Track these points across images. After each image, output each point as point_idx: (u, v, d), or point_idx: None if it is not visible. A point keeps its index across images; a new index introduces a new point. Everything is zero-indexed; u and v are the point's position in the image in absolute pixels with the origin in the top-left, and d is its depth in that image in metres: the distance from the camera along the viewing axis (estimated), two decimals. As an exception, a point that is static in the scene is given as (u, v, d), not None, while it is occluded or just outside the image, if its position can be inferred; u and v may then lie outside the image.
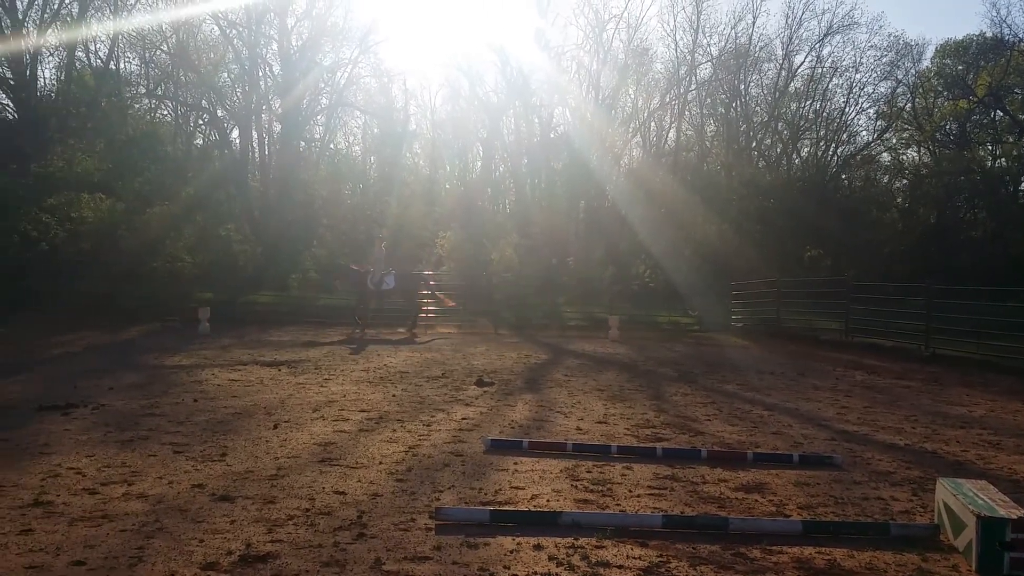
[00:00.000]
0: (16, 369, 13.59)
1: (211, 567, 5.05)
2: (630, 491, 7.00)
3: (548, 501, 6.63)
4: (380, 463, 7.74)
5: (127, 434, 8.74)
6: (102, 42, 38.09)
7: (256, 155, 39.89)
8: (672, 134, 48.15)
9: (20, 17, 32.15)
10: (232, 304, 25.35)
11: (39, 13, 32.99)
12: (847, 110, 45.65)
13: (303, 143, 41.43)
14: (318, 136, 45.27)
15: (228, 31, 36.36)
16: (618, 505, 6.58)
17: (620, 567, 5.24)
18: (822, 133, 46.01)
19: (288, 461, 7.73)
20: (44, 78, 36.26)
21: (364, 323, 22.66)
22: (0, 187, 26.79)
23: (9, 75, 32.70)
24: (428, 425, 9.60)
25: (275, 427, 9.28)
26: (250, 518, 6.00)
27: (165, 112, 41.10)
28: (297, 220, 34.46)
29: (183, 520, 5.92)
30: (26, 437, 8.48)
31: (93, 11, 34.49)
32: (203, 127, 42.04)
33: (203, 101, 38.37)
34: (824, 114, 45.97)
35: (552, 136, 45.01)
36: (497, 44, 42.97)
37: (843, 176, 44.66)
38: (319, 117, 43.15)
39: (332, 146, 47.76)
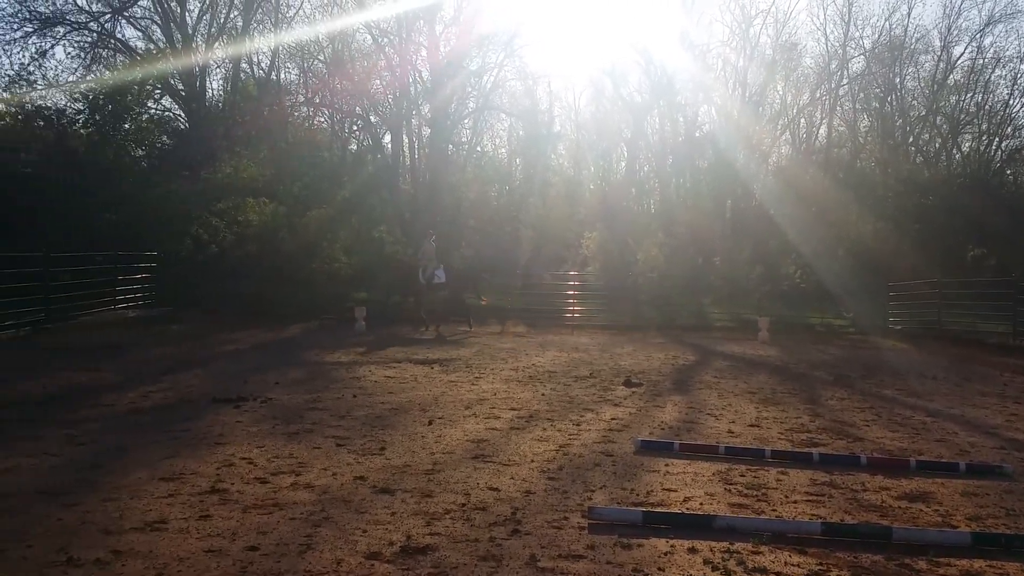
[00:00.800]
0: (192, 364, 14.47)
1: (375, 556, 5.28)
2: (786, 496, 6.88)
3: (701, 504, 6.60)
4: (532, 461, 7.88)
5: (293, 427, 9.21)
6: (264, 54, 40.02)
7: (407, 159, 40.93)
8: (823, 130, 46.56)
9: (190, 32, 34.20)
10: (385, 303, 26.18)
11: (207, 28, 35.01)
12: (1011, 102, 43.13)
13: (451, 146, 42.25)
14: (465, 139, 46.08)
15: (380, 40, 37.50)
16: (774, 511, 6.48)
17: (778, 574, 5.17)
18: (984, 127, 43.56)
19: (443, 457, 7.97)
20: (212, 90, 38.38)
21: (433, 320, 22.17)
22: (173, 193, 28.58)
23: (181, 88, 34.86)
24: (578, 424, 9.69)
25: (430, 423, 9.57)
26: (409, 511, 6.24)
27: (322, 119, 42.73)
28: (445, 221, 35.19)
29: (347, 510, 6.21)
30: (203, 428, 9.06)
31: (256, 24, 36.30)
32: (357, 133, 43.47)
33: (357, 108, 39.63)
34: (986, 107, 43.51)
35: (697, 135, 44.36)
36: (640, 44, 42.65)
37: (1008, 172, 42.16)
38: (466, 121, 43.91)
39: (479, 149, 48.53)
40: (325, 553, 5.31)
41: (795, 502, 6.73)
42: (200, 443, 8.32)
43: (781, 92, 45.98)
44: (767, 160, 44.24)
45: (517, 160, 50.83)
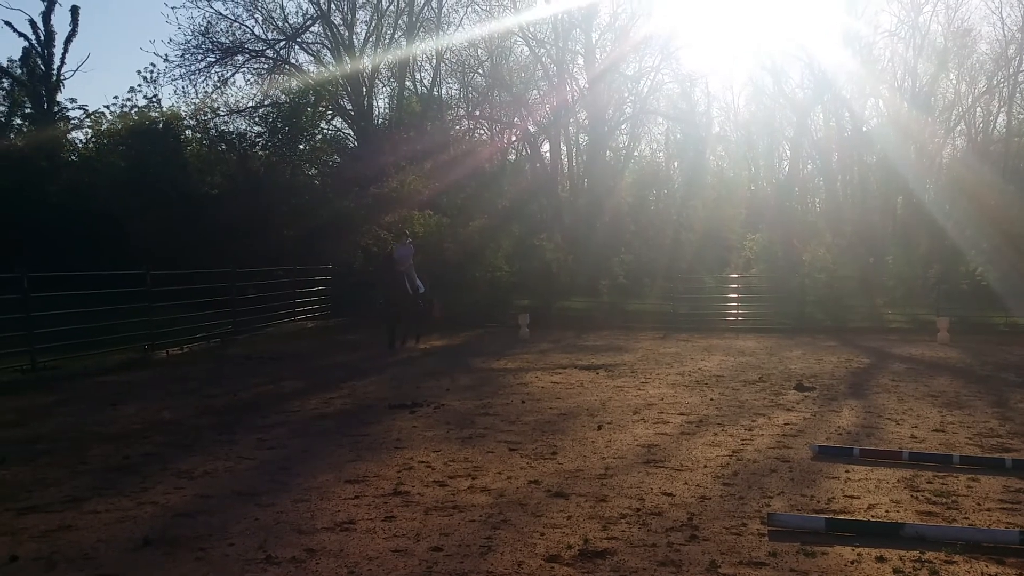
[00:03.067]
0: (368, 372, 15.07)
1: (554, 559, 5.38)
2: (978, 504, 6.56)
3: (887, 512, 6.37)
4: (704, 466, 7.81)
5: (466, 431, 9.46)
6: (426, 71, 41.28)
7: (564, 166, 41.29)
8: (1001, 119, 43.80)
9: (357, 54, 35.70)
10: (547, 310, 26.43)
11: (372, 50, 36.40)
12: None
13: (608, 152, 42.31)
14: (623, 144, 46.03)
15: (537, 50, 38.03)
16: (966, 519, 6.19)
17: (973, 584, 4.96)
18: None
19: (614, 461, 8.01)
20: (379, 108, 39.83)
21: (398, 334, 19.23)
22: (345, 208, 29.92)
23: (350, 108, 36.43)
24: (749, 430, 9.53)
25: (599, 428, 9.63)
26: (584, 515, 6.31)
27: (482, 131, 43.66)
28: (604, 227, 35.22)
29: (523, 514, 6.34)
30: (381, 433, 9.44)
31: (418, 43, 37.49)
32: (515, 143, 44.19)
33: (515, 118, 40.34)
34: None
35: (864, 129, 42.53)
36: (802, 38, 41.34)
37: None
38: (623, 126, 43.89)
39: (636, 153, 48.35)
40: (506, 555, 5.45)
41: (988, 510, 6.41)
42: (380, 447, 8.68)
43: (954, 82, 43.55)
44: (940, 153, 41.97)
45: (675, 163, 50.29)
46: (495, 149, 41.16)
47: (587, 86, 37.78)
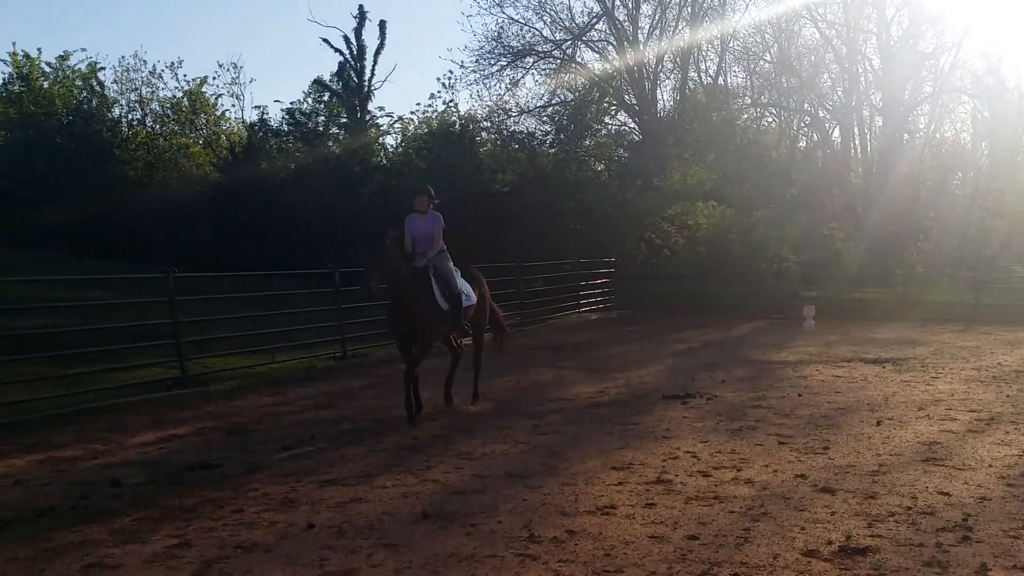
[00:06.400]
0: (645, 363, 15.25)
1: (811, 554, 5.31)
2: None
3: None
4: (989, 466, 7.30)
5: (736, 423, 9.42)
6: (711, 60, 40.82)
7: (857, 151, 39.14)
8: None
9: (641, 49, 36.01)
10: (835, 301, 25.29)
11: (656, 43, 36.56)
12: None
13: (905, 135, 39.55)
14: (921, 126, 42.83)
15: (827, 32, 36.42)
16: None
17: None
18: None
19: (890, 458, 7.68)
20: (662, 101, 39.86)
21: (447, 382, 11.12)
22: (629, 203, 30.37)
23: (634, 102, 36.84)
24: (1051, 430, 8.72)
25: (878, 424, 9.23)
26: (850, 511, 6.15)
27: (769, 119, 42.44)
28: (900, 214, 33.04)
29: (786, 507, 6.28)
30: (651, 422, 9.62)
31: (703, 31, 37.15)
32: (805, 130, 42.54)
33: (805, 104, 38.86)
34: None
35: None
36: None
37: None
38: (922, 107, 40.84)
39: (937, 135, 44.75)
40: (762, 547, 5.45)
41: None
42: (648, 436, 8.87)
43: None
44: None
45: (983, 144, 45.94)
46: (782, 137, 39.86)
47: (880, 66, 35.61)
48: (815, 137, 42.19)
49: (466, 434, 9.22)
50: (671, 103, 39.78)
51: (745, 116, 40.92)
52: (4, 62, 42.69)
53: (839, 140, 39.48)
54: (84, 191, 31.66)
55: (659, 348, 17.64)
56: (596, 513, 6.23)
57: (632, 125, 39.01)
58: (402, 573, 5.12)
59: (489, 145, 37.21)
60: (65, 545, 5.71)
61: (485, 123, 37.26)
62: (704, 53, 39.64)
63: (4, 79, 42.95)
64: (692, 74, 39.55)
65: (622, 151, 38.75)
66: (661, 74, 37.74)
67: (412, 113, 37.95)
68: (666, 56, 37.20)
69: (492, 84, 37.61)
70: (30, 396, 10.94)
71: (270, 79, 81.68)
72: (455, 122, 35.35)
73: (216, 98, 42.74)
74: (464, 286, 10.82)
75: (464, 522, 6.03)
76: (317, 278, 17.20)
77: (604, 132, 37.80)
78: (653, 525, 5.95)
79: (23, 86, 40.94)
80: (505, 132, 36.84)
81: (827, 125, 40.19)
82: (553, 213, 29.95)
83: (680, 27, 36.89)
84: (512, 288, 22.07)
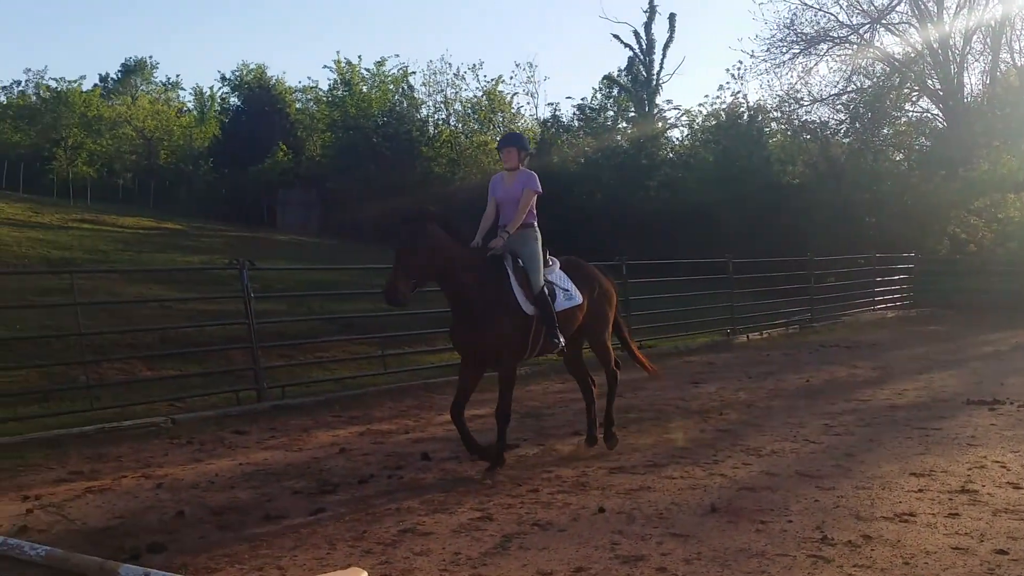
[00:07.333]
0: (947, 365, 14.37)
1: None
2: None
3: None
4: None
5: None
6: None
7: None
8: None
9: (947, 30, 33.44)
10: None
11: (963, 23, 33.79)
12: None
13: None
14: None
15: None
16: None
17: None
18: None
19: None
20: (969, 84, 36.78)
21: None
22: (931, 194, 28.41)
23: (938, 86, 34.31)
24: None
25: None
26: None
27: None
28: None
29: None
30: (954, 428, 9.07)
31: (1017, 6, 33.91)
32: None
33: None
34: None
35: None
36: None
37: None
38: None
39: None
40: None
41: None
42: (951, 443, 8.40)
43: None
44: None
45: None
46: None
47: None
48: None
49: (754, 429, 9.18)
50: (979, 87, 36.59)
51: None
52: (329, 68, 47.52)
53: None
54: (396, 187, 34.51)
55: (963, 350, 16.51)
56: (894, 520, 6.03)
57: (935, 111, 36.33)
58: (692, 563, 5.22)
59: (779, 136, 36.30)
60: (383, 511, 6.37)
61: (775, 113, 36.37)
62: (1018, 32, 36.02)
63: (330, 85, 47.81)
64: (1004, 55, 36.08)
65: (923, 139, 36.32)
66: (969, 56, 34.74)
67: (700, 105, 37.74)
68: (974, 36, 34.23)
69: (783, 73, 36.73)
70: (354, 373, 12.43)
71: (562, 76, 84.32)
72: (743, 113, 34.80)
73: (511, 96, 44.85)
74: (561, 280, 7.98)
75: (754, 518, 6.05)
76: (604, 270, 17.65)
77: (904, 120, 35.53)
78: (957, 536, 5.67)
79: (346, 91, 45.24)
80: (795, 122, 35.76)
81: None
82: (846, 205, 28.71)
83: (992, 4, 33.84)
84: (802, 283, 21.49)
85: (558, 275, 7.96)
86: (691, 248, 24.18)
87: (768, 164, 32.51)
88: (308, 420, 10.11)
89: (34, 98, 65.26)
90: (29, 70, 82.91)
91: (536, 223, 7.90)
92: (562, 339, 7.73)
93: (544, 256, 7.85)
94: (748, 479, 7.17)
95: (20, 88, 68.55)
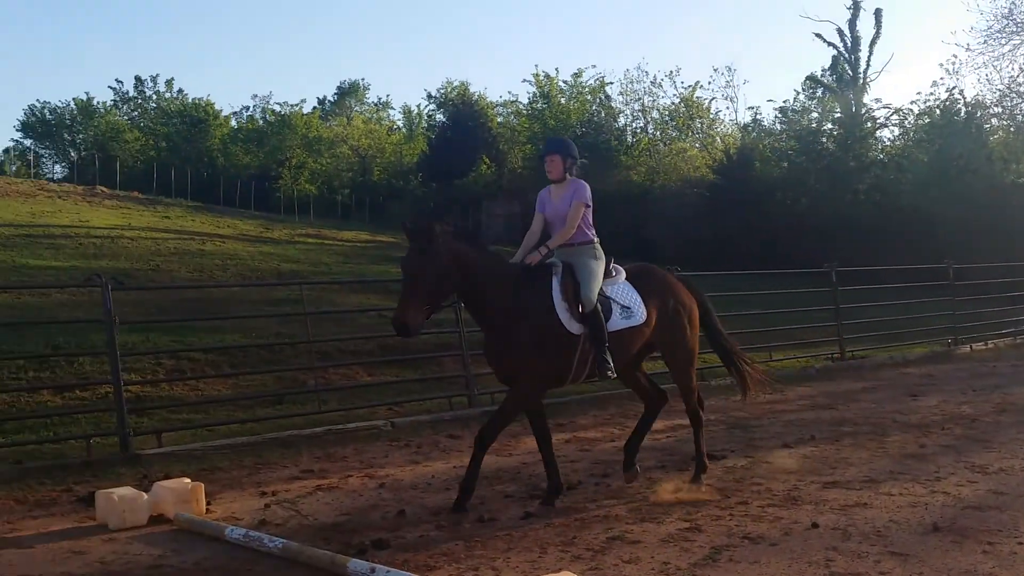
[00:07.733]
0: None
1: None
2: None
3: None
4: None
5: None
6: None
7: None
8: None
9: None
10: None
11: None
12: None
13: None
14: None
15: None
16: None
17: None
18: None
19: None
20: None
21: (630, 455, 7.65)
22: None
23: None
24: None
25: None
26: None
27: None
28: None
29: None
30: None
31: None
32: None
33: None
34: None
35: None
36: None
37: None
38: None
39: None
40: None
41: None
42: None
43: None
44: None
45: None
46: None
47: None
48: None
49: (980, 445, 8.68)
50: None
51: None
52: (528, 82, 48.63)
53: None
54: (596, 196, 34.76)
55: None
56: None
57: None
58: (913, 584, 5.05)
59: (1000, 133, 33.92)
60: (591, 517, 6.49)
61: (995, 108, 34.00)
62: None
63: (529, 98, 48.94)
64: None
65: None
66: None
67: (912, 103, 35.86)
68: None
69: (1003, 66, 34.12)
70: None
71: (762, 79, 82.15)
72: (960, 110, 32.75)
73: (710, 101, 44.25)
74: (622, 294, 7.00)
75: (980, 539, 5.75)
76: (813, 277, 17.19)
77: None
78: None
79: (545, 104, 46.17)
80: (1019, 117, 33.29)
81: None
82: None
83: None
84: (1008, 291, 19.93)
85: (621, 287, 7.01)
86: (905, 253, 23.05)
87: (989, 163, 30.48)
88: (516, 426, 10.36)
89: (261, 122, 70.82)
90: (256, 96, 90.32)
91: (597, 240, 7.08)
92: (611, 363, 6.74)
93: (607, 264, 7.03)
94: (974, 497, 6.81)
95: (248, 113, 74.70)
